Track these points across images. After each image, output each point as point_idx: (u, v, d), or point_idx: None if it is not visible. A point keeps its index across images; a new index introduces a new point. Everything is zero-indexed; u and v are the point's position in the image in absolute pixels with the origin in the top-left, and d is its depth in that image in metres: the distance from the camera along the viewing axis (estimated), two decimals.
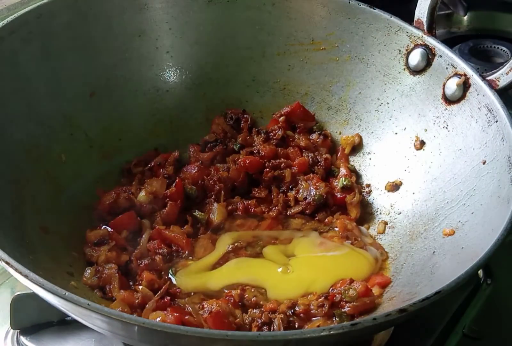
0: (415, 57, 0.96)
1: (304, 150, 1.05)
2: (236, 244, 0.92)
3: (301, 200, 0.98)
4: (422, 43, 0.95)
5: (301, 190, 0.99)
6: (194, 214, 0.97)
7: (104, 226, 0.92)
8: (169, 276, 0.87)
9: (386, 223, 0.96)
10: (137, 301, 0.80)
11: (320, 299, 0.81)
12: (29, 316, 0.82)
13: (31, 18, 0.92)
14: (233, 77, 1.09)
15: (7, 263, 0.65)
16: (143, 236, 0.91)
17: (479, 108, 0.88)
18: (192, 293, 0.85)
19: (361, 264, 0.89)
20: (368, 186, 1.01)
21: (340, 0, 1.02)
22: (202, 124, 1.09)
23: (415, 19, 0.97)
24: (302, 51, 1.06)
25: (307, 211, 0.98)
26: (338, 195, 0.98)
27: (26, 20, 0.91)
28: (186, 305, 0.81)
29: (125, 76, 1.03)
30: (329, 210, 0.98)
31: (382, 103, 1.01)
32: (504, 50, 1.33)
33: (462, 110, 0.91)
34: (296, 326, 0.79)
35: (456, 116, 0.91)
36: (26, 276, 0.63)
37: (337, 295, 0.81)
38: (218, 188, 0.99)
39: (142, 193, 0.95)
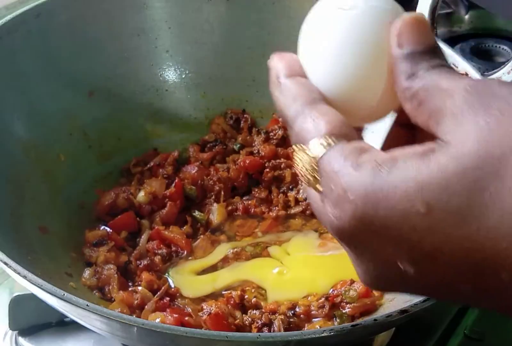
0: None
1: None
2: (234, 250, 0.91)
3: (302, 200, 0.98)
4: None
5: (301, 190, 0.99)
6: (194, 214, 0.96)
7: (103, 227, 0.91)
8: (166, 276, 0.87)
9: None
10: (136, 302, 0.80)
11: (321, 300, 0.81)
12: (28, 317, 0.82)
13: (30, 17, 0.91)
14: (233, 77, 1.09)
15: (5, 263, 0.65)
16: (142, 236, 0.91)
17: None
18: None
19: None
20: None
21: None
22: (202, 124, 1.09)
23: None
24: None
25: (307, 211, 0.98)
26: None
27: (24, 19, 0.91)
28: (186, 306, 0.81)
29: (124, 75, 1.03)
30: None
31: None
32: (505, 50, 1.33)
33: None
34: (297, 327, 0.79)
35: None
36: (24, 277, 0.63)
37: (338, 296, 0.81)
38: (218, 188, 0.98)
39: (141, 193, 0.95)
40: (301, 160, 0.44)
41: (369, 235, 0.40)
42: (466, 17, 1.43)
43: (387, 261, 0.41)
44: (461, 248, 0.37)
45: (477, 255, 0.37)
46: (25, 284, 0.64)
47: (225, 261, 0.90)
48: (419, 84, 0.42)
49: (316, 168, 0.43)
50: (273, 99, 0.48)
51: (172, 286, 0.85)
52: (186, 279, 0.87)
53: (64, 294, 0.61)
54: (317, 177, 0.43)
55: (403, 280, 0.42)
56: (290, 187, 1.00)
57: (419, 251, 0.39)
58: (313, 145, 0.43)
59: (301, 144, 0.44)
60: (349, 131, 0.44)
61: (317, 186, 0.43)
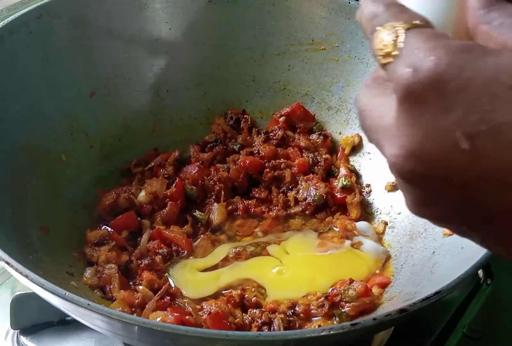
0: None
1: (304, 150, 1.05)
2: (237, 249, 0.92)
3: (301, 200, 0.98)
4: None
5: (301, 190, 0.99)
6: (194, 214, 0.97)
7: (104, 226, 0.92)
8: (167, 275, 0.87)
9: (386, 223, 0.96)
10: (137, 301, 0.80)
11: (320, 299, 0.81)
12: (29, 316, 0.82)
13: (31, 18, 0.92)
14: (233, 77, 1.09)
15: (7, 263, 0.65)
16: (143, 236, 0.91)
17: None
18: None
19: (359, 265, 0.89)
20: (368, 186, 1.01)
21: (340, 0, 1.02)
22: (202, 124, 1.09)
23: None
24: (302, 51, 1.06)
25: (307, 211, 0.98)
26: (338, 195, 0.98)
27: (26, 20, 0.91)
28: (186, 305, 0.81)
29: (125, 76, 1.03)
30: (329, 210, 0.98)
31: None
32: None
33: None
34: (296, 326, 0.79)
35: None
36: (26, 276, 0.63)
37: (337, 295, 0.81)
38: (218, 188, 0.99)
39: (142, 193, 0.95)
40: (384, 35, 0.43)
41: (442, 94, 0.39)
42: None
43: (444, 129, 0.39)
44: None
45: None
46: (27, 283, 0.65)
47: (225, 261, 0.90)
48: (499, 9, 0.43)
49: (399, 39, 0.42)
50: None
51: (173, 285, 0.86)
52: (187, 279, 0.87)
53: (65, 293, 0.61)
54: (398, 45, 0.42)
55: (454, 159, 0.39)
56: (290, 187, 1.00)
57: (488, 121, 0.38)
58: (403, 22, 0.43)
59: (390, 23, 0.44)
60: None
61: (393, 52, 0.42)
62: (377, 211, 0.99)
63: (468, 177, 0.39)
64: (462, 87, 0.38)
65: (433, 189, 0.42)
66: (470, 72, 0.38)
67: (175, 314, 0.76)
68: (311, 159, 1.03)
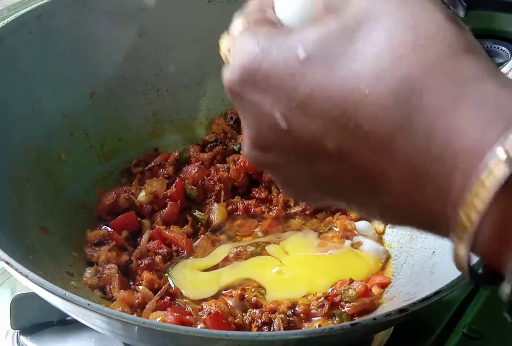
0: None
1: None
2: (238, 249, 0.91)
3: None
4: None
5: None
6: (194, 214, 0.97)
7: (104, 226, 0.92)
8: (167, 275, 0.87)
9: (386, 223, 0.96)
10: (137, 301, 0.80)
11: (320, 299, 0.81)
12: (29, 316, 0.82)
13: (31, 18, 0.92)
14: None
15: (7, 263, 0.65)
16: (143, 236, 0.91)
17: None
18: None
19: (359, 265, 0.89)
20: None
21: None
22: (202, 124, 1.09)
23: None
24: None
25: (307, 211, 0.98)
26: None
27: (26, 21, 0.91)
28: (186, 305, 0.82)
29: (125, 76, 1.03)
30: (329, 210, 0.98)
31: None
32: (504, 50, 1.33)
33: None
34: (296, 326, 0.79)
35: None
36: (26, 276, 0.63)
37: (337, 295, 0.81)
38: (218, 188, 0.99)
39: (142, 193, 0.95)
40: (224, 44, 0.49)
41: (254, 86, 0.43)
42: (465, 18, 1.43)
43: (265, 114, 0.43)
44: (330, 96, 0.40)
45: (343, 105, 0.39)
46: (27, 283, 0.65)
47: (225, 261, 0.90)
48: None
49: (231, 45, 0.47)
50: None
51: (173, 285, 0.86)
52: (187, 279, 0.87)
53: (65, 293, 0.61)
54: (230, 51, 0.47)
55: (278, 139, 0.43)
56: None
57: (294, 98, 0.41)
58: (236, 25, 0.48)
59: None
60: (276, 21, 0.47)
61: (229, 57, 0.47)
62: None
63: (298, 151, 0.43)
64: (267, 73, 0.42)
65: (281, 171, 0.47)
66: (271, 57, 0.42)
67: (175, 314, 0.76)
68: None
